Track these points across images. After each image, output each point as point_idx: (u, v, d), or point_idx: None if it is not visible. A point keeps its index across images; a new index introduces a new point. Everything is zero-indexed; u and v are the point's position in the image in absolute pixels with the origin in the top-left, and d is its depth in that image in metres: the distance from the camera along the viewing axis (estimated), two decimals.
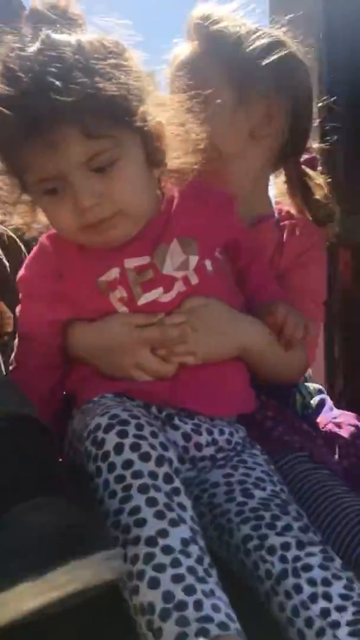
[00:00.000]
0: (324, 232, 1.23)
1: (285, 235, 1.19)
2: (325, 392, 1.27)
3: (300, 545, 0.80)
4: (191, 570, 0.71)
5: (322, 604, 0.76)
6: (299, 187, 1.22)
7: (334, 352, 1.71)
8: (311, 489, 0.97)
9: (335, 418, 1.17)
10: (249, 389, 1.03)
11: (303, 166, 1.23)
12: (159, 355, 0.95)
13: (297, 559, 0.79)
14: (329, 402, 1.23)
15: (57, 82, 0.79)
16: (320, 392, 1.24)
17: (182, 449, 0.94)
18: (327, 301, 1.24)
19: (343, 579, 0.78)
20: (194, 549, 0.73)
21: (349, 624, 0.74)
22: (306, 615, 0.76)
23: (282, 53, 1.12)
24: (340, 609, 0.75)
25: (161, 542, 0.73)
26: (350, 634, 0.74)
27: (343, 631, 0.74)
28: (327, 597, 0.76)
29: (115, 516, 0.76)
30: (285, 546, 0.80)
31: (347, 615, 0.75)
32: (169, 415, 0.95)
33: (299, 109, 1.18)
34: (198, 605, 0.69)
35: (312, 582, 0.77)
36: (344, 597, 0.76)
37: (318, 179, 1.22)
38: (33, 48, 0.83)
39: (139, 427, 0.80)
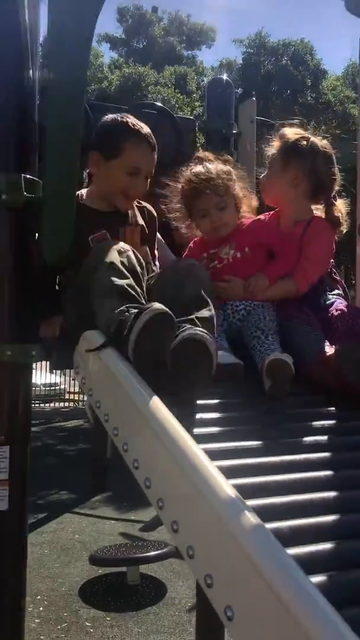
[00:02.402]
0: (334, 229, 2.24)
1: (310, 227, 2.18)
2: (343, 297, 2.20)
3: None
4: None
5: None
6: (326, 208, 2.26)
7: None
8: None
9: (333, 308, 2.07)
10: None
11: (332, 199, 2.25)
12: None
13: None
14: (338, 300, 2.12)
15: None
16: (338, 295, 2.16)
17: None
18: None
19: None
20: None
21: None
22: None
23: (308, 148, 2.17)
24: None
25: None
26: None
27: None
28: None
29: None
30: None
31: None
32: None
33: (319, 172, 2.17)
34: None
35: None
36: None
37: (339, 205, 2.25)
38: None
39: None
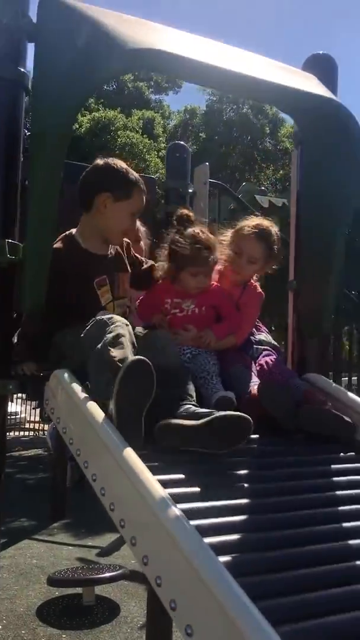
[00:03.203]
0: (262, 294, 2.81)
1: (246, 291, 2.74)
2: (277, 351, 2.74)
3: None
4: None
5: None
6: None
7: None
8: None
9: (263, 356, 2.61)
10: None
11: None
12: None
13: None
14: (265, 352, 2.64)
15: None
16: (273, 348, 2.71)
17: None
18: None
19: None
20: None
21: None
22: None
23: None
24: None
25: None
26: None
27: None
28: None
29: None
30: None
31: None
32: None
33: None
34: None
35: None
36: None
37: None
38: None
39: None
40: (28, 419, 14.12)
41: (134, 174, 2.39)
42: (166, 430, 1.77)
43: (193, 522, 1.33)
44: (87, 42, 1.76)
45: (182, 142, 4.37)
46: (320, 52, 2.86)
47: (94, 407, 1.72)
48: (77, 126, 13.32)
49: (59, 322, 2.22)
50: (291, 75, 2.25)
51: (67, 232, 2.46)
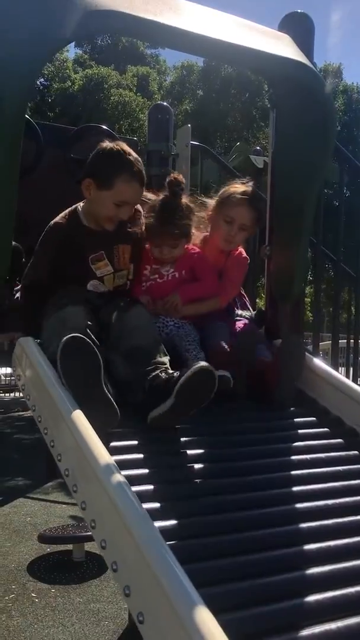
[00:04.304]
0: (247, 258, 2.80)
1: (231, 257, 2.73)
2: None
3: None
4: None
5: None
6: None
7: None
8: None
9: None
10: None
11: None
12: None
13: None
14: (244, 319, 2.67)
15: None
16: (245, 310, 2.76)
17: None
18: None
19: None
20: None
21: None
22: None
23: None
24: None
25: None
26: None
27: None
28: None
29: None
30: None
31: None
32: None
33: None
34: None
35: None
36: None
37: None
38: None
39: None
40: None
41: (129, 164, 2.31)
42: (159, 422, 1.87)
43: (145, 505, 1.36)
44: (44, 3, 1.72)
45: (164, 103, 4.30)
46: (299, 10, 2.78)
47: (52, 375, 1.75)
48: (70, 83, 13.06)
49: (52, 291, 2.25)
50: (261, 37, 2.20)
51: (73, 207, 2.48)
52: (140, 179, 2.35)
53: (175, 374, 1.89)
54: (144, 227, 2.52)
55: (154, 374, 1.97)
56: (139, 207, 2.54)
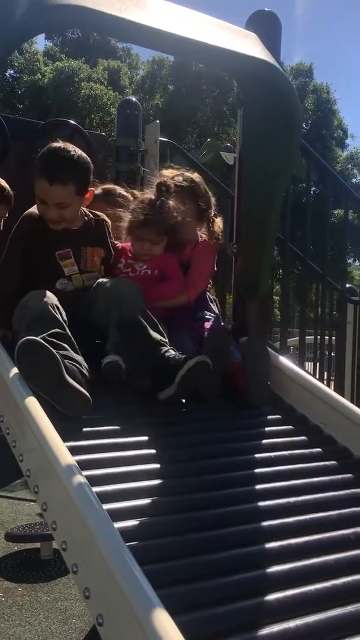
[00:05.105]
0: (215, 246, 2.79)
1: (197, 247, 2.73)
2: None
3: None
4: None
5: None
6: (208, 226, 2.82)
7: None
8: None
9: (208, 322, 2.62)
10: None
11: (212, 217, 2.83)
12: None
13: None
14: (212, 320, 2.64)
15: None
16: (213, 314, 2.71)
17: None
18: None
19: None
20: None
21: None
22: None
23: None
24: None
25: None
26: None
27: None
28: None
29: None
30: None
31: None
32: None
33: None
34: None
35: None
36: None
37: (218, 223, 2.83)
38: None
39: None
40: None
41: (41, 163, 2.32)
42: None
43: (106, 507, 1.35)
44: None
45: (133, 98, 4.27)
46: (266, 9, 2.78)
47: (15, 375, 1.73)
48: (40, 76, 12.90)
49: (23, 289, 2.23)
50: (228, 34, 2.19)
51: None
52: (49, 177, 2.28)
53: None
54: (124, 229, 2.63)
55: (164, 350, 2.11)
56: (105, 217, 2.62)
